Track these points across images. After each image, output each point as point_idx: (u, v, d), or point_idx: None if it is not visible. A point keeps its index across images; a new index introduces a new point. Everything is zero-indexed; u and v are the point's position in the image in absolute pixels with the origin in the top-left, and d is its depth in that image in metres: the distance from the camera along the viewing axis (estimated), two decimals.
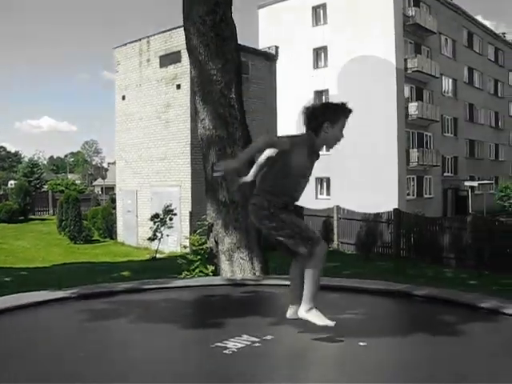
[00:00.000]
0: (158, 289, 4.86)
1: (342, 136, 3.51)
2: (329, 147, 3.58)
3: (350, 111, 3.50)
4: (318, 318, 3.36)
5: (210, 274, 8.14)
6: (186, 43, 8.21)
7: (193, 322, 3.91)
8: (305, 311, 3.38)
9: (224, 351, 3.08)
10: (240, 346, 3.17)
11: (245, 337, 3.32)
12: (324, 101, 28.04)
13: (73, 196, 26.14)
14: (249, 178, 3.78)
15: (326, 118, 3.48)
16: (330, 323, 3.32)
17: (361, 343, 3.24)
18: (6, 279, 13.16)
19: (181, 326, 3.70)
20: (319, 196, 34.37)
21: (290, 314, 3.57)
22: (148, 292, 4.76)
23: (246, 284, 5.21)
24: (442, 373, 2.81)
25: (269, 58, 24.10)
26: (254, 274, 7.74)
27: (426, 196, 35.51)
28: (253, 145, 3.68)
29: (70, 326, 3.79)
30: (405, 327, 3.75)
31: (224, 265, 7.90)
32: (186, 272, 8.41)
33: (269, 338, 3.34)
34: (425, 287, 4.85)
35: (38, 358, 3.09)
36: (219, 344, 3.19)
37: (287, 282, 5.25)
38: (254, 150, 3.52)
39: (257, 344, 3.22)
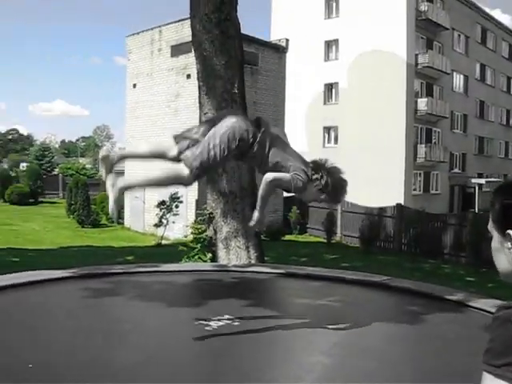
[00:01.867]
0: (153, 272, 5.22)
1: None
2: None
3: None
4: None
5: (208, 260, 8.50)
6: (192, 39, 8.54)
7: (181, 302, 4.27)
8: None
9: (206, 328, 3.43)
10: (220, 324, 3.52)
11: (226, 317, 3.67)
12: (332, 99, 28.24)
13: (82, 180, 26.57)
14: None
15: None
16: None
17: (329, 326, 3.58)
18: (15, 259, 13.61)
19: (170, 305, 4.06)
20: None
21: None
22: (144, 274, 5.12)
23: (237, 270, 5.54)
24: (393, 356, 3.15)
25: (279, 50, 24.30)
26: (250, 262, 8.10)
27: (432, 192, 35.64)
28: None
29: (71, 302, 4.16)
30: (371, 314, 4.07)
31: (221, 252, 8.26)
32: (185, 259, 8.77)
33: (247, 318, 3.68)
34: (403, 280, 5.16)
35: (40, 327, 3.47)
36: (202, 322, 3.54)
37: (277, 271, 5.61)
38: None
39: (236, 323, 3.57)
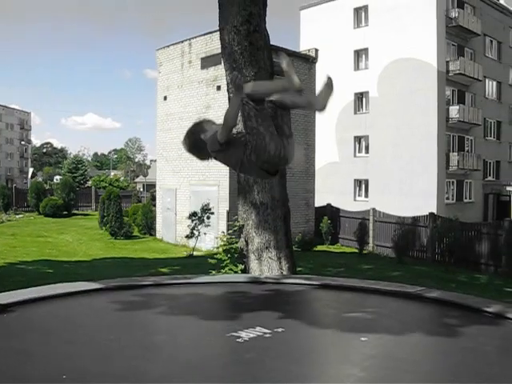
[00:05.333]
0: (184, 284, 5.23)
1: None
2: None
3: None
4: None
5: (239, 272, 8.49)
6: (222, 51, 8.59)
7: (212, 314, 4.26)
8: None
9: (237, 340, 3.42)
10: (252, 335, 3.50)
11: (257, 328, 3.64)
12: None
13: (114, 192, 26.84)
14: None
15: None
16: None
17: (362, 338, 3.53)
18: (49, 271, 13.83)
19: (201, 317, 4.06)
20: (357, 198, 34.45)
21: None
22: (175, 286, 5.14)
23: (269, 282, 5.51)
24: (428, 369, 3.09)
25: (308, 61, 24.29)
26: (282, 273, 8.06)
27: (465, 200, 35.15)
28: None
29: (104, 314, 4.20)
30: (406, 326, 4.00)
31: (253, 264, 8.25)
32: (214, 271, 8.77)
33: (279, 330, 3.66)
34: (437, 290, 5.07)
35: (73, 339, 3.50)
36: (234, 333, 3.53)
37: (310, 282, 5.57)
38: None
39: (267, 335, 3.54)
